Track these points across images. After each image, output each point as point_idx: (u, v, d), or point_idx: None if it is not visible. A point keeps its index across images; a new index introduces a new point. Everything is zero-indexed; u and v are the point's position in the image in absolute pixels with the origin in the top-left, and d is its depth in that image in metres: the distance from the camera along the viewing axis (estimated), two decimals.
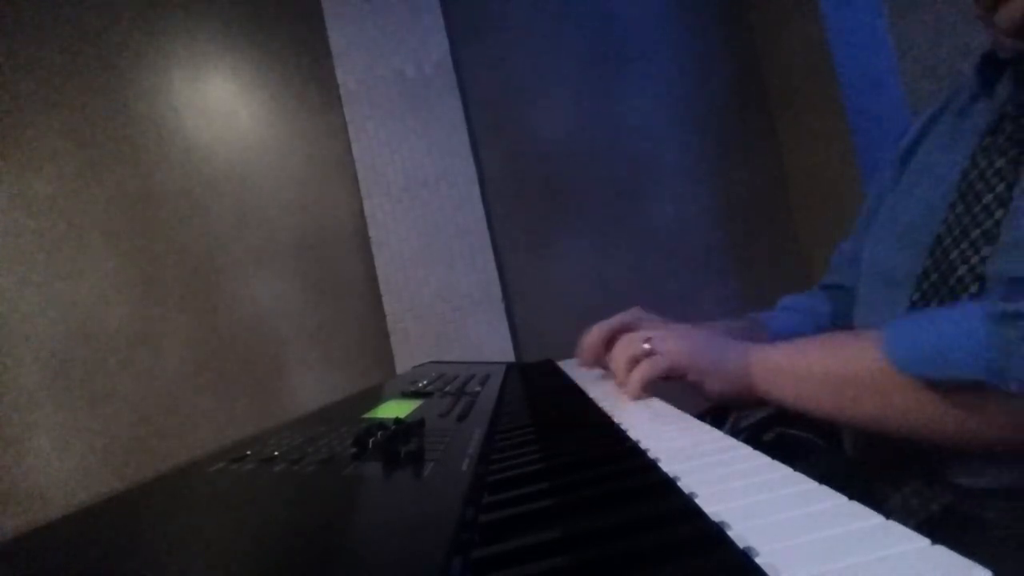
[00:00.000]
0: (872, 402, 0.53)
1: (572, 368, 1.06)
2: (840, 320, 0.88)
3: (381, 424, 0.48)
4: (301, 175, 1.91)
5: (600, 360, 0.83)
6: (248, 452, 0.45)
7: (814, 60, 1.70)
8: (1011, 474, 0.53)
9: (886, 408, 0.53)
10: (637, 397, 0.64)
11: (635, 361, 0.66)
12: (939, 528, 0.57)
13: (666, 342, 0.66)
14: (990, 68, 0.67)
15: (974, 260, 0.58)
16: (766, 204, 1.91)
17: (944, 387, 0.49)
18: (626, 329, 0.76)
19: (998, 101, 0.65)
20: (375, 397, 0.77)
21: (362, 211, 1.82)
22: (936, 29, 1.64)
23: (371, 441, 0.44)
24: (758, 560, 0.24)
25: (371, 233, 1.80)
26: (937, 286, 0.61)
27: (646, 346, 0.66)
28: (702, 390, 0.65)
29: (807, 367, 0.59)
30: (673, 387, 0.69)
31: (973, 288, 0.57)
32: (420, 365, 1.32)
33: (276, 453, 0.45)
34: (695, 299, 1.86)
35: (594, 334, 0.79)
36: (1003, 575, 0.21)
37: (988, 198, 0.59)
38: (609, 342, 0.78)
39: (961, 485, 0.56)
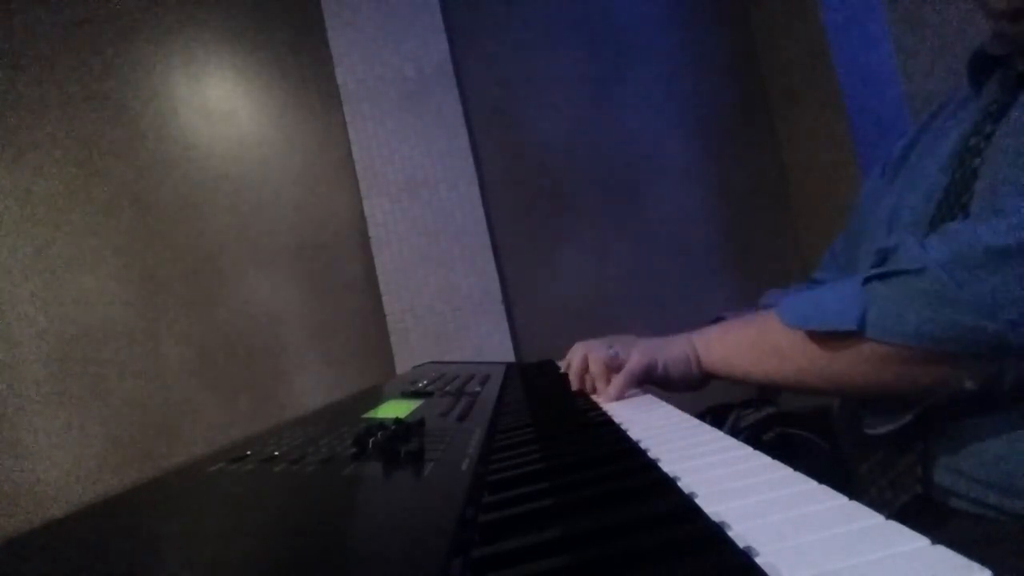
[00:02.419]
0: (780, 362, 0.62)
1: None
2: None
3: (381, 424, 0.48)
4: (301, 175, 1.91)
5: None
6: (248, 452, 0.45)
7: (814, 60, 1.70)
8: (899, 419, 0.60)
9: (789, 365, 0.61)
10: (620, 396, 0.69)
11: (607, 365, 0.72)
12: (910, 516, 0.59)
13: (626, 347, 0.73)
14: (980, 67, 0.67)
15: None
16: (766, 204, 1.91)
17: (825, 337, 0.58)
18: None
19: (984, 101, 0.65)
20: (375, 397, 0.77)
21: (362, 211, 1.82)
22: (936, 28, 1.64)
23: (371, 441, 0.44)
24: (758, 560, 0.24)
25: (371, 233, 1.80)
26: None
27: (611, 351, 0.72)
28: (669, 382, 0.71)
29: (735, 341, 0.68)
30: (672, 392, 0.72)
31: None
32: (420, 365, 1.32)
33: (276, 453, 0.45)
34: (695, 300, 1.86)
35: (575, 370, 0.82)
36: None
37: (966, 197, 0.61)
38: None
39: (874, 435, 0.64)
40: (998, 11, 0.58)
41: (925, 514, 0.60)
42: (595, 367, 0.73)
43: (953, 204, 0.62)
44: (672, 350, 0.71)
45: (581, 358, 0.76)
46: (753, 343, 0.65)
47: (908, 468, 0.62)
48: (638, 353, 0.70)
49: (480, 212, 1.80)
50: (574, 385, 0.77)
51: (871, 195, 0.83)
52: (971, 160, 0.62)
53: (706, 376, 0.71)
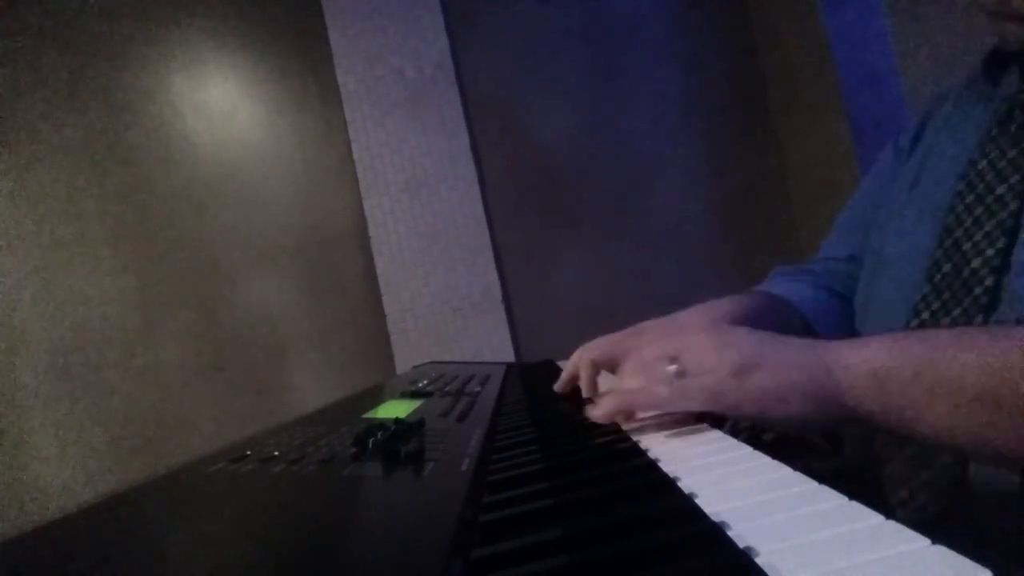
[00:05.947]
0: None
1: None
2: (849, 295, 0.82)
3: (381, 424, 0.48)
4: (301, 175, 1.91)
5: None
6: (248, 452, 0.45)
7: (814, 60, 1.70)
8: None
9: None
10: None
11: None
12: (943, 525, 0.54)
13: (702, 356, 0.47)
14: (996, 63, 0.66)
15: (989, 252, 0.57)
16: (766, 204, 1.91)
17: None
18: (619, 358, 0.59)
19: (1006, 92, 0.64)
20: (375, 397, 0.77)
21: (362, 211, 1.82)
22: (936, 29, 1.64)
23: (371, 441, 0.44)
24: (758, 560, 0.24)
25: (371, 233, 1.80)
26: (950, 278, 0.60)
27: (671, 369, 0.47)
28: (759, 422, 0.47)
29: (931, 380, 0.42)
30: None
31: (988, 280, 0.56)
32: (420, 365, 1.32)
33: (276, 453, 0.45)
34: (695, 300, 1.86)
35: (585, 365, 0.64)
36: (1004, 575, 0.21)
37: (1002, 189, 0.58)
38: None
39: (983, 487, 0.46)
40: (1008, 14, 0.57)
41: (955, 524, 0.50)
42: (636, 388, 0.50)
43: (984, 194, 0.60)
44: (773, 374, 0.44)
45: (601, 361, 0.55)
46: (1001, 394, 0.39)
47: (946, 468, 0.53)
48: (715, 380, 0.45)
49: (480, 212, 1.80)
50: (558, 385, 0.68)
51: (878, 188, 0.81)
52: (1001, 149, 0.60)
53: (834, 420, 0.45)
